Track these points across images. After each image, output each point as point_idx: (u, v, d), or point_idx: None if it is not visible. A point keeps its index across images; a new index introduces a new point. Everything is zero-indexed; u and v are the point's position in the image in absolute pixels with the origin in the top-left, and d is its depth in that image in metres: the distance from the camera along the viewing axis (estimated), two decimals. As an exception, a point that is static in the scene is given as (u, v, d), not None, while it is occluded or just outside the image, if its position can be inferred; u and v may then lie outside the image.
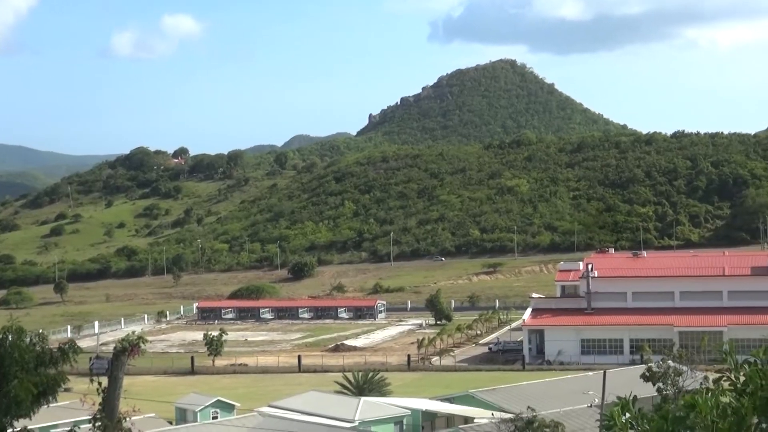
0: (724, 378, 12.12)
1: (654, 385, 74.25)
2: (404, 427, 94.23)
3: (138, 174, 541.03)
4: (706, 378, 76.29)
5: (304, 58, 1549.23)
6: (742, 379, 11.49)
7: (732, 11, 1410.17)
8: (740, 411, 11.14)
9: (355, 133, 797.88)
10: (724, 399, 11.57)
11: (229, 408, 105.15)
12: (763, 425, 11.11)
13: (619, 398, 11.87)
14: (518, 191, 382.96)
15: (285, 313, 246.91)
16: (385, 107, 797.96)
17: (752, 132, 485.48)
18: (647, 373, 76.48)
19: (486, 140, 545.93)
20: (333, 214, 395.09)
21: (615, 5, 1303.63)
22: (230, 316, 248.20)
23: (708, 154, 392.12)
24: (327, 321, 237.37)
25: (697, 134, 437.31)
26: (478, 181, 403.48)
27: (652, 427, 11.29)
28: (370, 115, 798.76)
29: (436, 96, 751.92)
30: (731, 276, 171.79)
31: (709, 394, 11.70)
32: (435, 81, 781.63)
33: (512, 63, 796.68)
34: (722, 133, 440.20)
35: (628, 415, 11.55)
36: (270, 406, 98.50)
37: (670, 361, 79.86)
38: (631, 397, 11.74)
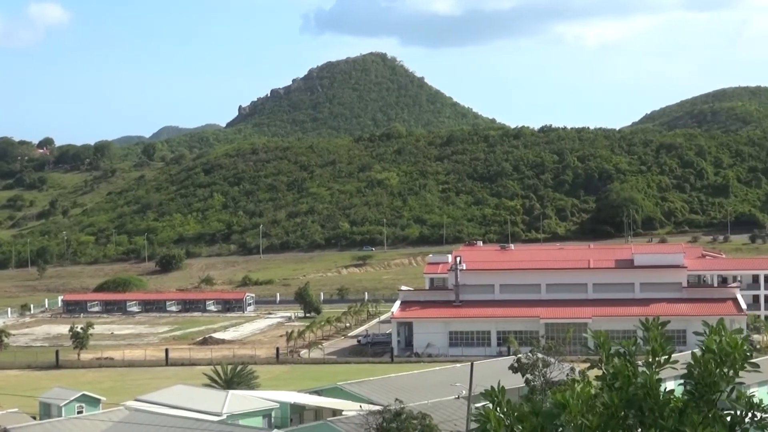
0: (594, 370, 12.04)
1: (522, 376, 74.94)
2: (273, 420, 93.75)
3: (1, 164, 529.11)
4: (572, 369, 77.45)
5: (173, 47, 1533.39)
6: (611, 372, 11.43)
7: (599, 9, 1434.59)
8: (610, 406, 11.05)
9: (224, 125, 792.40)
10: (593, 390, 11.51)
11: (94, 402, 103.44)
12: (630, 420, 11.04)
13: (488, 391, 11.68)
14: (388, 184, 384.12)
15: (152, 306, 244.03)
16: (255, 99, 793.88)
17: (617, 127, 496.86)
18: (516, 365, 77.20)
19: (356, 133, 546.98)
20: (202, 206, 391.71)
21: (486, 0, 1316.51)
22: (96, 309, 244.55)
23: (574, 149, 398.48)
24: (195, 314, 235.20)
25: (564, 129, 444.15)
26: (348, 173, 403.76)
27: (525, 427, 11.13)
28: (240, 107, 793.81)
29: (307, 88, 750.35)
30: (596, 269, 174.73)
31: (580, 389, 11.56)
32: (305, 73, 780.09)
33: (383, 56, 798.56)
34: (588, 128, 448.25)
35: (500, 411, 11.36)
36: (136, 400, 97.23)
37: (538, 353, 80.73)
38: (499, 389, 11.55)
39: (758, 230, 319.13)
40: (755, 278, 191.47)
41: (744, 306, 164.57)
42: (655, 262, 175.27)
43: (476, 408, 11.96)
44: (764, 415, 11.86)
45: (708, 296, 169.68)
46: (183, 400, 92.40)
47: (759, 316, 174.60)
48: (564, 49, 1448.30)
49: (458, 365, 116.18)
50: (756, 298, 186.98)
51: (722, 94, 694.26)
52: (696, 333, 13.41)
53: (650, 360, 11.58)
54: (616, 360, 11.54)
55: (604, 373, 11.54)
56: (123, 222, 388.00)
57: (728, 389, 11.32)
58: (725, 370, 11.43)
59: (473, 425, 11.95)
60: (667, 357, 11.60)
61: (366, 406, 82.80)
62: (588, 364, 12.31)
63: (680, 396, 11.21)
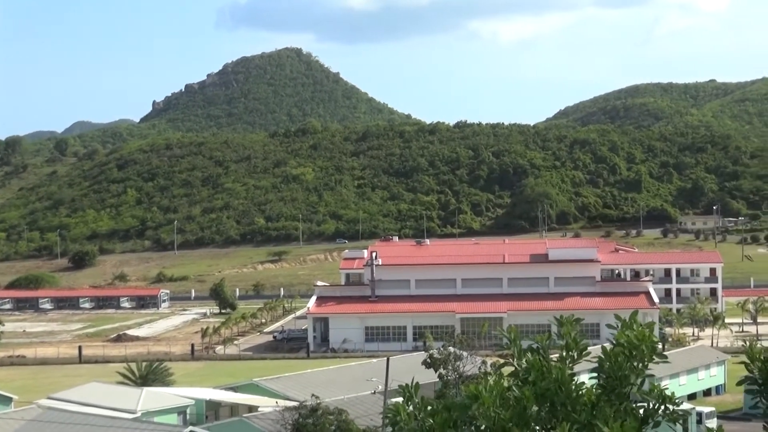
0: (507, 364, 12.04)
1: (436, 371, 75.20)
2: (188, 417, 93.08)
3: None
4: (484, 363, 77.85)
5: (86, 41, 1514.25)
6: (524, 366, 11.42)
7: (514, 5, 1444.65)
8: (522, 401, 11.04)
9: (138, 120, 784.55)
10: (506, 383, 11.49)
11: (6, 401, 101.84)
12: (543, 414, 11.03)
13: (401, 387, 11.62)
14: (303, 180, 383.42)
15: (65, 303, 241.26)
16: (170, 94, 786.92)
17: (532, 123, 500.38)
18: (429, 360, 77.45)
19: (271, 128, 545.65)
20: (115, 202, 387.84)
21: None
22: (7, 306, 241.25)
23: (489, 144, 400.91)
24: (109, 311, 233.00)
25: (479, 125, 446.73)
26: (263, 169, 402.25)
27: (436, 421, 11.08)
28: (154, 102, 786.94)
29: (221, 83, 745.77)
30: (511, 263, 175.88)
31: (492, 383, 11.54)
32: (220, 68, 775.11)
33: (298, 51, 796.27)
34: (503, 123, 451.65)
35: (411, 407, 11.30)
36: (49, 398, 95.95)
37: (451, 347, 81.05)
38: (413, 386, 11.48)
39: (670, 225, 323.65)
40: (667, 272, 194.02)
41: (656, 299, 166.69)
42: (569, 257, 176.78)
43: (392, 403, 11.84)
44: (676, 408, 11.92)
45: (621, 290, 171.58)
46: (97, 397, 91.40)
47: (671, 310, 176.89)
48: (480, 46, 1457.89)
49: (374, 360, 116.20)
50: (668, 291, 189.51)
51: (635, 91, 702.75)
52: (609, 326, 13.49)
53: (564, 354, 11.59)
54: (529, 355, 11.55)
55: (516, 368, 11.53)
56: (35, 218, 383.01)
57: (639, 382, 11.37)
58: (635, 363, 11.48)
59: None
60: (580, 351, 11.63)
61: (282, 402, 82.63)
62: (501, 359, 12.28)
63: (592, 389, 11.23)
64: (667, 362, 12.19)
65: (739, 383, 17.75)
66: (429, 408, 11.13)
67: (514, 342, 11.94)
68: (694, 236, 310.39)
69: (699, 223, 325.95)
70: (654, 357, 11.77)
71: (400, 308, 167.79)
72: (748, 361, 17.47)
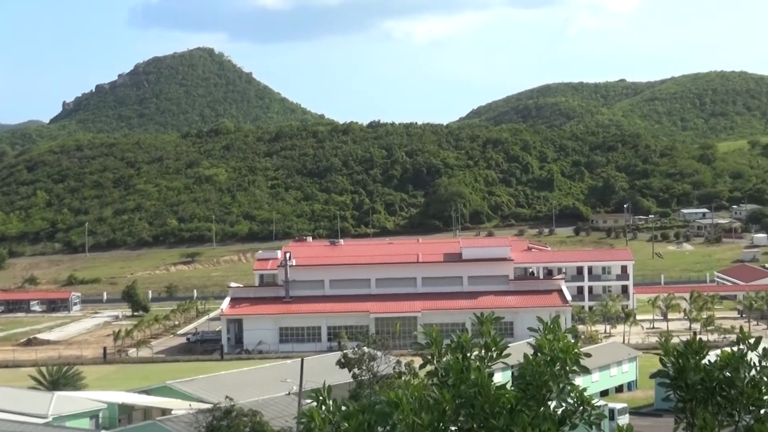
0: (427, 363, 11.90)
1: (350, 371, 75.13)
2: (100, 420, 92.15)
3: None
4: (399, 362, 77.92)
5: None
6: (444, 368, 11.28)
7: (427, 5, 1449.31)
8: (441, 404, 10.89)
9: (48, 121, 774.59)
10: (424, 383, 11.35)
11: None
12: (462, 418, 10.90)
13: (314, 392, 11.41)
14: (216, 180, 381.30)
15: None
16: (80, 95, 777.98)
17: (445, 123, 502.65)
18: (343, 360, 77.37)
19: (184, 129, 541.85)
20: (25, 204, 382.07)
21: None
22: None
23: (403, 144, 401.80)
24: (19, 314, 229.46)
25: (393, 124, 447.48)
26: (175, 170, 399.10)
27: (351, 425, 10.90)
28: (64, 103, 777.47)
29: (133, 84, 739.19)
30: (425, 263, 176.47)
31: (413, 387, 11.37)
32: (132, 68, 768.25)
33: (210, 51, 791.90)
34: (416, 123, 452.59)
35: (324, 409, 11.11)
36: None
37: (365, 347, 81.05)
38: (326, 389, 11.28)
39: (582, 223, 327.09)
40: (579, 270, 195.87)
41: (569, 297, 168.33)
42: (482, 256, 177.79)
43: (307, 403, 11.65)
44: (594, 411, 11.88)
45: (534, 288, 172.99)
46: (7, 402, 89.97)
47: (583, 307, 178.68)
48: (393, 45, 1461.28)
49: (289, 361, 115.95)
50: (580, 289, 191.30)
51: (546, 90, 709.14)
52: (530, 329, 13.43)
53: (483, 354, 11.48)
54: (449, 356, 11.40)
55: (436, 368, 11.38)
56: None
57: (559, 388, 11.32)
58: (556, 369, 11.41)
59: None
60: (500, 351, 11.53)
61: (196, 405, 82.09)
62: (416, 358, 12.17)
63: (511, 392, 11.13)
64: (588, 373, 12.16)
65: (652, 376, 17.87)
66: (342, 412, 10.95)
67: (434, 342, 11.77)
68: (606, 234, 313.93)
69: (610, 221, 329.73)
70: (575, 368, 11.75)
71: (315, 309, 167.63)
72: (662, 355, 17.60)
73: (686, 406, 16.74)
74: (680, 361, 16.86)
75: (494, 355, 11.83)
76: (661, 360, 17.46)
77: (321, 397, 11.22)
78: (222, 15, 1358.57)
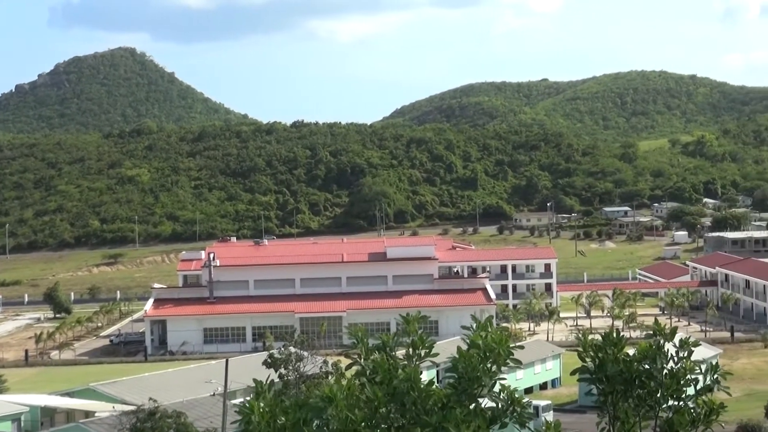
0: (355, 364, 11.87)
1: (276, 371, 74.88)
2: (22, 424, 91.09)
3: None
4: (325, 362, 77.85)
5: None
6: (371, 366, 11.25)
7: (351, 5, 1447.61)
8: (373, 401, 10.86)
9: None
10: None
11: None
12: (394, 415, 10.87)
13: (256, 383, 11.37)
14: (139, 181, 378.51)
15: None
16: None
17: (369, 122, 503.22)
18: (269, 360, 77.07)
19: (105, 129, 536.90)
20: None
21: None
22: None
23: (327, 144, 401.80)
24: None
25: (317, 124, 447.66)
26: (97, 170, 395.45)
27: (289, 419, 10.86)
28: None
29: (53, 84, 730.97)
30: (349, 262, 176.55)
31: (346, 384, 11.35)
32: (52, 68, 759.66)
33: (132, 51, 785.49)
34: (340, 123, 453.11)
35: (263, 404, 11.06)
36: None
37: (291, 348, 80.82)
38: (267, 384, 11.25)
39: (505, 222, 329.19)
40: (503, 268, 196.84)
41: (493, 296, 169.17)
42: (407, 255, 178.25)
43: (234, 404, 11.62)
44: (524, 410, 11.95)
45: (459, 287, 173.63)
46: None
47: (508, 305, 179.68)
48: (317, 45, 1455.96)
49: (213, 362, 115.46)
50: (504, 287, 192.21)
51: (470, 90, 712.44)
52: (464, 327, 13.44)
53: (411, 353, 11.48)
54: (375, 354, 11.38)
55: (363, 367, 11.35)
56: None
57: (491, 384, 11.36)
58: (488, 365, 11.44)
59: (237, 417, 11.66)
60: (428, 350, 11.54)
61: (119, 407, 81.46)
62: (342, 358, 12.17)
63: (443, 389, 11.13)
64: (520, 367, 12.22)
65: (573, 372, 18.01)
66: (282, 406, 10.93)
67: (361, 341, 11.75)
68: (529, 233, 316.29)
69: (533, 219, 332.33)
70: (508, 361, 11.80)
71: (239, 309, 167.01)
72: (581, 350, 17.75)
73: (608, 399, 16.90)
74: (599, 354, 17.01)
75: (422, 353, 11.82)
76: (579, 355, 17.60)
77: (261, 391, 11.19)
78: (145, 15, 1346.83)
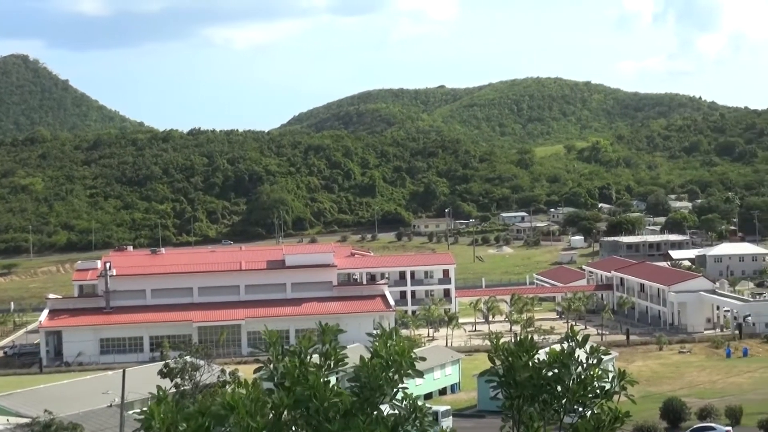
0: (262, 368, 11.67)
1: (172, 381, 74.18)
2: None
3: None
4: (223, 371, 77.33)
5: None
6: (282, 371, 11.07)
7: (247, 12, 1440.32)
8: (278, 407, 10.66)
9: None
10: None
11: None
12: (299, 420, 10.68)
13: (158, 388, 11.10)
14: (33, 190, 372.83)
15: None
16: None
17: (266, 129, 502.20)
18: (164, 370, 76.38)
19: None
20: None
21: (135, 2, 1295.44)
22: None
23: (224, 151, 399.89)
24: None
25: (213, 131, 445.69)
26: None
27: (190, 426, 10.60)
28: None
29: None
30: (248, 270, 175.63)
31: (251, 391, 11.12)
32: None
33: (25, 58, 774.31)
34: (238, 130, 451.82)
35: (164, 410, 10.78)
36: None
37: (187, 357, 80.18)
38: (164, 390, 10.97)
39: (404, 228, 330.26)
40: (402, 275, 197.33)
41: (392, 302, 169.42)
42: (305, 262, 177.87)
43: (133, 413, 11.39)
44: (426, 418, 11.84)
45: (358, 294, 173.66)
46: None
47: (407, 312, 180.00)
48: (213, 52, 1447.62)
49: (110, 373, 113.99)
50: (403, 294, 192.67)
51: (367, 97, 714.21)
52: (368, 334, 13.31)
53: (321, 363, 11.36)
54: (287, 360, 11.22)
55: (272, 372, 11.19)
56: None
57: (393, 392, 11.27)
58: (391, 374, 11.35)
59: (135, 427, 11.46)
60: (338, 361, 11.43)
61: (14, 419, 80.00)
62: (240, 366, 11.93)
63: (346, 395, 10.98)
64: (422, 379, 12.14)
65: (481, 374, 17.98)
66: (184, 413, 10.70)
67: (273, 346, 11.54)
68: (428, 239, 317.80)
69: (432, 225, 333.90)
70: (411, 372, 11.73)
71: (136, 319, 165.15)
72: (492, 353, 17.64)
73: (513, 404, 16.82)
74: (510, 359, 16.94)
75: (332, 363, 11.69)
76: (490, 358, 17.50)
77: (162, 397, 10.92)
78: (38, 21, 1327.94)
